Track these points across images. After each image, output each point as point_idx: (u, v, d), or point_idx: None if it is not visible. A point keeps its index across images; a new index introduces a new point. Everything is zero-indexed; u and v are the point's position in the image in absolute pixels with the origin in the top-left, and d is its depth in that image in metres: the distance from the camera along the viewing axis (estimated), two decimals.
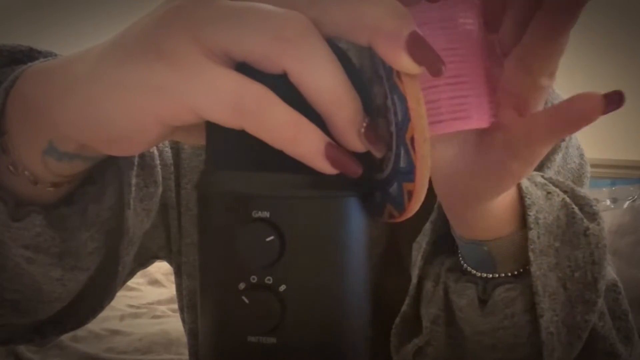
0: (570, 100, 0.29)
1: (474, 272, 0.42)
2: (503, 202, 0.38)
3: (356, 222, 0.25)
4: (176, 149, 0.56)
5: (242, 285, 0.24)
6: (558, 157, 0.56)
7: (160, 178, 0.39)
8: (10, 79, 0.30)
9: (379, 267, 0.56)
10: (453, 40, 0.31)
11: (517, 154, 0.32)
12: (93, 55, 0.26)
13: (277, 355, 0.24)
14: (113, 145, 0.26)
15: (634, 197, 2.08)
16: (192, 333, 0.64)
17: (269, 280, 0.23)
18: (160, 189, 0.39)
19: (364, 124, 0.23)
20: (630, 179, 2.11)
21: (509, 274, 0.41)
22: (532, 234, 0.39)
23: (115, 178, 0.36)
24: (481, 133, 0.34)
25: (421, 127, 0.23)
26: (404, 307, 0.46)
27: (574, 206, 0.41)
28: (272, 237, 0.23)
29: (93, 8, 2.24)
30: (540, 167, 0.55)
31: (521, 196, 0.39)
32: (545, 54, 0.28)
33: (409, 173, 0.24)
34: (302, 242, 0.23)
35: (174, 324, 1.64)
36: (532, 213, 0.39)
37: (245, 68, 0.23)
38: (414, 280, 0.45)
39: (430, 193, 0.28)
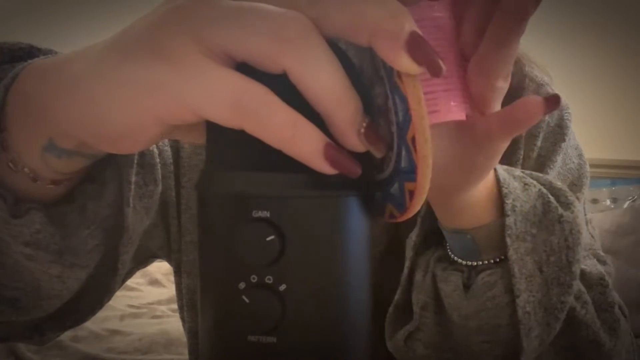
0: (517, 103, 0.33)
1: (460, 260, 0.45)
2: (482, 192, 0.41)
3: (356, 222, 0.25)
4: (176, 147, 0.56)
5: (242, 285, 0.24)
6: (559, 158, 0.56)
7: (160, 176, 0.39)
8: (10, 76, 0.30)
9: (380, 266, 0.56)
10: (427, 35, 0.32)
11: (480, 149, 0.36)
12: (93, 53, 0.26)
13: (277, 355, 0.24)
14: (112, 143, 0.26)
15: (634, 197, 2.08)
16: (191, 332, 0.64)
17: (269, 279, 0.23)
18: (160, 188, 0.39)
19: (364, 124, 0.23)
20: (630, 179, 2.11)
21: (492, 261, 0.44)
22: (509, 221, 0.42)
23: (115, 176, 0.36)
24: (454, 132, 0.37)
25: (422, 127, 0.23)
26: (396, 296, 0.49)
27: (549, 196, 0.44)
28: (272, 237, 0.23)
29: (93, 8, 2.24)
30: (542, 168, 0.55)
31: (499, 186, 0.42)
32: (499, 58, 0.31)
33: (411, 173, 0.24)
34: (302, 242, 0.23)
35: (174, 324, 1.65)
36: (509, 201, 0.42)
37: (245, 68, 0.23)
38: (405, 271, 0.48)
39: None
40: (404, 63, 0.22)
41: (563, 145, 0.56)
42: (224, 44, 0.22)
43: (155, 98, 0.23)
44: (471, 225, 0.42)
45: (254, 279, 0.23)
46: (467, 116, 0.34)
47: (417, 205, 0.24)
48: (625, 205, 2.05)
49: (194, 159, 0.56)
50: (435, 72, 0.23)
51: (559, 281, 0.43)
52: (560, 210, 0.43)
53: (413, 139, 0.23)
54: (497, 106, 0.34)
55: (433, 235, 0.48)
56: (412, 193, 0.24)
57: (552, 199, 0.44)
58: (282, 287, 0.23)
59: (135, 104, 0.24)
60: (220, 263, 0.24)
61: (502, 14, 0.29)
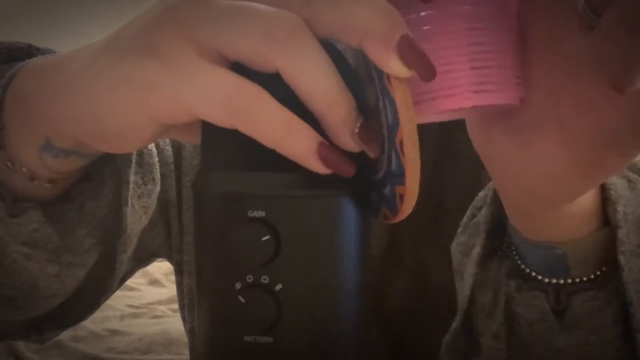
0: None
1: (541, 277, 0.35)
2: (587, 198, 0.32)
3: (351, 221, 0.25)
4: (177, 147, 0.56)
5: (238, 285, 0.24)
6: None
7: (159, 176, 0.39)
8: (8, 76, 0.30)
9: (379, 269, 0.56)
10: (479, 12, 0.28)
11: (618, 146, 0.26)
12: (89, 52, 0.26)
13: (274, 355, 0.24)
14: (107, 142, 0.26)
15: None
16: (192, 331, 0.64)
17: (265, 279, 0.23)
18: (158, 187, 0.39)
19: (358, 124, 0.23)
20: None
21: (584, 279, 0.34)
22: (622, 233, 0.33)
23: (113, 175, 0.36)
24: (563, 119, 0.28)
25: (410, 131, 0.23)
26: (455, 323, 0.39)
27: None
28: (267, 237, 0.23)
29: (93, 8, 2.25)
30: None
31: (603, 188, 0.34)
32: None
33: (400, 176, 0.24)
34: (298, 242, 0.23)
35: (174, 324, 1.65)
36: (620, 208, 0.33)
37: (241, 67, 0.23)
38: (467, 291, 0.38)
39: (425, 196, 0.26)
40: (394, 66, 0.22)
41: None
42: (216, 43, 0.22)
43: (150, 97, 0.23)
44: (565, 238, 0.33)
45: (249, 279, 0.23)
46: (518, 100, 0.28)
47: (407, 209, 0.24)
48: None
49: (196, 158, 0.56)
50: (426, 76, 0.22)
51: None
52: None
53: (401, 143, 0.23)
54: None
55: (492, 240, 0.38)
56: (402, 197, 0.24)
57: None
58: (278, 287, 0.23)
59: (130, 103, 0.24)
60: (216, 263, 0.24)
61: None
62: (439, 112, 0.28)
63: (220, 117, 0.22)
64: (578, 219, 0.33)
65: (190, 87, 0.22)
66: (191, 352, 0.66)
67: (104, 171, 0.35)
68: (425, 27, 0.27)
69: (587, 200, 0.32)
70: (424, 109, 0.28)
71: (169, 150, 0.54)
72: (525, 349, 0.37)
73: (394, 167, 0.24)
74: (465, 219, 0.40)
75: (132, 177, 0.36)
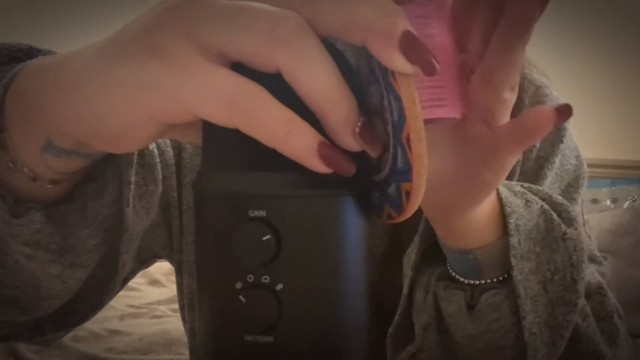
0: (527, 113, 0.32)
1: (462, 279, 0.44)
2: (485, 211, 0.40)
3: (352, 221, 0.25)
4: (178, 148, 0.56)
5: (239, 285, 0.24)
6: (557, 159, 0.56)
7: (160, 176, 0.39)
8: (9, 76, 0.30)
9: (381, 266, 0.56)
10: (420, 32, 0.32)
11: (488, 165, 0.35)
12: (90, 52, 0.26)
13: (274, 354, 0.24)
14: (108, 142, 0.26)
15: (634, 197, 2.08)
16: (192, 332, 0.64)
17: (265, 279, 0.23)
18: (160, 188, 0.39)
19: (359, 124, 0.23)
20: (630, 179, 2.11)
21: (495, 280, 0.43)
22: (514, 241, 0.41)
23: (115, 176, 0.36)
24: (458, 146, 0.36)
25: (417, 126, 0.23)
26: (396, 317, 0.47)
27: (552, 212, 0.43)
28: (268, 236, 0.23)
29: (93, 8, 2.24)
30: (540, 169, 0.55)
31: (502, 205, 0.41)
32: (505, 68, 0.30)
33: (406, 173, 0.24)
34: (299, 241, 0.23)
35: (174, 324, 1.65)
36: (512, 220, 0.41)
37: (242, 67, 0.23)
38: (405, 290, 0.47)
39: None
40: (398, 62, 0.22)
41: (561, 146, 0.56)
42: (218, 42, 0.23)
43: (151, 97, 0.23)
44: (473, 245, 0.41)
45: (250, 278, 0.23)
46: (462, 115, 0.33)
47: (414, 206, 0.24)
48: (625, 205, 2.05)
49: (196, 159, 0.56)
50: (429, 71, 0.23)
51: (564, 300, 0.42)
52: (564, 227, 0.43)
53: (408, 139, 0.23)
54: (504, 118, 0.33)
55: (431, 251, 0.47)
56: (408, 193, 0.24)
57: (554, 215, 0.43)
58: (279, 287, 0.23)
59: (131, 103, 0.24)
60: (217, 263, 0.24)
61: (506, 20, 0.29)
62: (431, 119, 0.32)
63: (221, 117, 0.23)
64: (482, 229, 0.41)
65: (191, 87, 0.23)
66: (191, 353, 0.66)
67: (106, 172, 0.35)
68: None
69: (486, 213, 0.40)
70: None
71: (169, 151, 0.54)
72: (448, 337, 0.45)
73: (399, 164, 0.24)
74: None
75: (133, 178, 0.36)
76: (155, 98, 0.23)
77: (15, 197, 0.32)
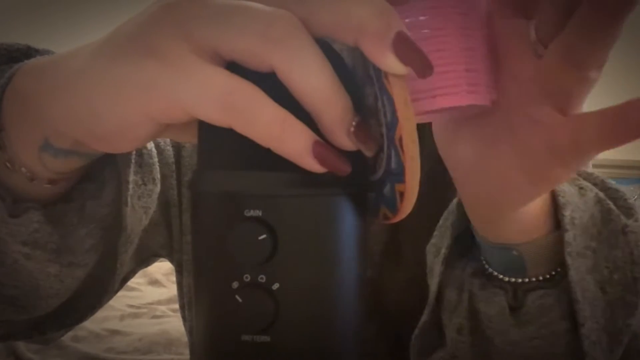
0: (629, 104, 0.26)
1: (502, 277, 0.38)
2: (537, 203, 0.35)
3: (348, 220, 0.25)
4: (177, 146, 0.56)
5: (235, 284, 0.24)
6: None
7: (159, 176, 0.39)
8: (7, 76, 0.30)
9: (379, 264, 0.56)
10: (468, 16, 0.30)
11: (562, 160, 0.29)
12: (86, 52, 0.26)
13: (271, 354, 0.24)
14: (105, 141, 0.26)
15: (634, 197, 2.07)
16: (193, 331, 0.64)
17: (262, 278, 0.23)
18: (158, 187, 0.39)
19: (354, 123, 0.23)
20: (630, 179, 2.11)
21: (540, 278, 0.38)
22: (569, 236, 0.36)
23: (114, 175, 0.36)
24: (516, 133, 0.31)
25: (409, 128, 0.23)
26: (423, 317, 0.42)
27: (608, 202, 0.38)
28: (264, 236, 0.23)
29: (93, 8, 2.25)
30: None
31: (554, 194, 0.36)
32: (596, 44, 0.25)
33: (400, 174, 0.24)
34: (295, 241, 0.24)
35: (174, 324, 1.65)
36: (567, 213, 0.36)
37: (237, 67, 0.23)
38: (434, 287, 0.41)
39: (425, 193, 0.28)
40: (390, 63, 0.22)
41: None
42: (212, 42, 0.23)
43: (147, 96, 0.23)
44: (520, 240, 0.36)
45: (247, 278, 0.24)
46: (492, 103, 0.30)
47: (407, 207, 0.24)
48: None
49: (195, 158, 0.56)
50: (422, 72, 0.22)
51: (624, 301, 0.37)
52: (623, 219, 0.37)
53: (400, 140, 0.23)
54: (580, 104, 0.28)
55: (458, 241, 0.41)
56: (402, 195, 0.24)
57: (611, 205, 0.38)
58: (275, 286, 0.23)
59: (127, 102, 0.24)
60: (213, 262, 0.24)
61: None
62: (436, 109, 0.30)
63: (216, 117, 0.23)
64: (530, 223, 0.36)
65: (186, 87, 0.23)
66: (191, 352, 0.66)
67: (104, 171, 0.35)
68: (424, 30, 0.29)
69: (538, 205, 0.35)
70: (421, 106, 0.29)
71: (169, 150, 0.54)
72: (485, 342, 0.40)
73: (393, 165, 0.24)
74: (441, 221, 0.43)
75: (131, 177, 0.36)
76: (151, 98, 0.23)
77: (13, 196, 0.33)
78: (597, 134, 0.27)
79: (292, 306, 0.24)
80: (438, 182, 0.49)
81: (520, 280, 0.38)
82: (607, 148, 0.28)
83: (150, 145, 0.39)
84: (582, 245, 0.36)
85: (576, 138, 0.28)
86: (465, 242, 0.41)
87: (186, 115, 0.23)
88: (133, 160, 0.36)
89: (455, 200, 0.42)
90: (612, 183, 0.40)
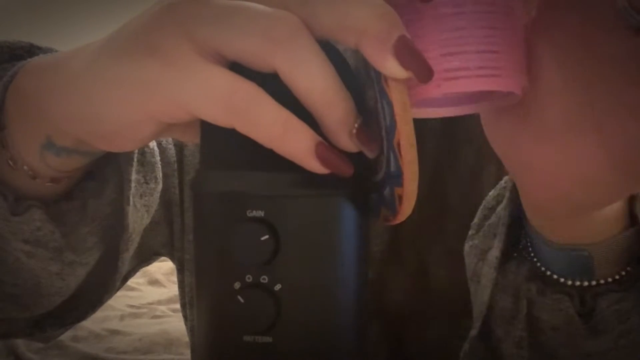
0: None
1: (562, 280, 0.34)
2: None
3: (351, 221, 0.25)
4: (180, 145, 0.56)
5: (237, 285, 0.24)
6: None
7: (161, 174, 0.39)
8: (10, 74, 0.30)
9: (381, 265, 0.56)
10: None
11: None
12: (89, 51, 0.26)
13: (273, 355, 0.24)
14: (107, 140, 0.26)
15: None
16: (194, 330, 0.64)
17: (264, 279, 0.23)
18: (160, 186, 0.39)
19: (356, 125, 0.23)
20: None
21: (609, 280, 0.33)
22: None
23: (115, 174, 0.36)
24: (604, 124, 0.27)
25: (407, 132, 0.22)
26: (473, 332, 0.37)
27: None
28: (266, 236, 0.23)
29: (93, 8, 2.25)
30: None
31: None
32: None
33: (399, 177, 0.24)
34: (297, 241, 0.23)
35: (174, 324, 1.65)
36: None
37: (239, 67, 0.23)
38: (486, 297, 0.36)
39: (426, 194, 0.27)
40: (390, 67, 0.22)
41: None
42: (215, 42, 0.23)
43: (149, 96, 0.23)
44: (592, 240, 0.32)
45: (249, 278, 0.23)
46: (523, 91, 0.26)
47: (406, 211, 0.24)
48: None
49: (198, 157, 0.56)
50: (423, 77, 0.22)
51: None
52: None
53: (399, 144, 0.23)
54: None
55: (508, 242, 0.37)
56: (400, 198, 0.24)
57: None
58: (277, 287, 0.23)
59: (129, 102, 0.24)
60: (215, 263, 0.24)
61: None
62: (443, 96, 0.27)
63: (218, 117, 0.23)
64: (606, 221, 0.32)
65: (189, 86, 0.23)
66: (192, 351, 0.67)
67: (106, 170, 0.36)
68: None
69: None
70: (425, 93, 0.26)
71: (171, 149, 0.54)
72: (548, 355, 0.35)
73: (392, 168, 0.24)
74: (476, 219, 0.39)
75: (133, 176, 0.36)
76: (153, 97, 0.23)
77: (15, 194, 0.33)
78: None
79: (294, 307, 0.24)
80: (438, 183, 0.49)
81: (587, 283, 0.33)
82: None
83: (153, 144, 0.39)
84: None
85: None
86: (510, 239, 0.36)
87: (188, 115, 0.23)
88: (135, 159, 0.36)
89: (493, 194, 0.38)
90: None
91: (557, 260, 0.34)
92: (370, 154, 0.24)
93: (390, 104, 0.23)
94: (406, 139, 0.22)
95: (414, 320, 0.51)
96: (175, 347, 1.55)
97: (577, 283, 0.33)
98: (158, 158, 0.39)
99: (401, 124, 0.22)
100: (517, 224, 0.36)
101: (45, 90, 0.27)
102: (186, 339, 0.67)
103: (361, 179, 0.25)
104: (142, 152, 0.37)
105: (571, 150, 0.28)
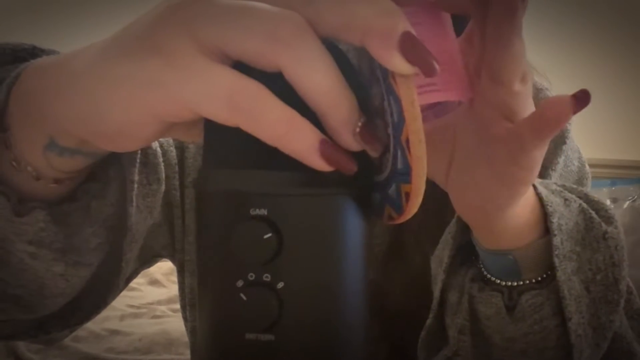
0: (543, 104, 0.31)
1: (498, 281, 0.43)
2: (525, 210, 0.39)
3: (354, 220, 0.25)
4: (181, 148, 0.56)
5: (240, 283, 0.24)
6: (560, 160, 0.56)
7: (164, 175, 0.39)
8: (13, 76, 0.30)
9: (383, 264, 0.57)
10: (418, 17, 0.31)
11: (517, 162, 0.33)
12: (92, 51, 0.26)
13: (275, 352, 0.24)
14: (111, 140, 0.26)
15: (634, 197, 2.07)
16: (194, 331, 0.64)
17: (266, 277, 0.24)
18: (163, 187, 0.39)
19: (360, 124, 0.23)
20: (630, 179, 2.11)
21: (533, 280, 0.42)
22: (556, 240, 0.40)
23: (118, 175, 0.36)
24: (486, 148, 0.35)
25: (416, 128, 0.23)
26: (428, 321, 0.46)
27: (591, 211, 0.43)
28: (269, 235, 0.23)
29: (94, 8, 2.25)
30: (545, 170, 0.55)
31: (542, 204, 0.41)
32: (505, 60, 0.30)
33: (406, 174, 0.24)
34: (300, 240, 0.24)
35: (174, 324, 1.64)
36: (554, 220, 0.40)
37: (243, 66, 0.23)
38: (437, 293, 0.45)
39: (428, 194, 0.28)
40: (397, 63, 0.22)
41: (564, 147, 0.56)
42: (219, 42, 0.23)
43: (153, 95, 0.23)
44: (514, 246, 0.40)
45: (251, 276, 0.24)
46: (470, 100, 0.32)
47: (413, 207, 0.25)
48: (625, 206, 2.04)
49: (199, 159, 0.56)
50: (428, 72, 0.23)
51: (607, 300, 0.41)
52: (604, 226, 0.42)
53: (407, 141, 0.23)
54: (525, 111, 0.32)
55: (460, 251, 0.46)
56: (408, 195, 0.24)
57: (593, 214, 0.43)
58: (280, 285, 0.24)
59: (133, 101, 0.24)
60: (218, 261, 0.25)
61: (494, 14, 0.29)
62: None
63: (222, 115, 0.23)
64: (522, 229, 0.40)
65: (193, 85, 0.23)
66: (192, 352, 0.67)
67: (109, 171, 0.36)
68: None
69: (526, 213, 0.40)
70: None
71: (172, 151, 0.54)
72: (485, 340, 0.44)
73: (399, 165, 0.24)
74: (443, 235, 0.46)
75: (136, 177, 0.36)
76: (157, 96, 0.23)
77: (18, 196, 0.33)
78: (530, 133, 0.32)
79: (297, 305, 0.24)
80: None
81: (515, 283, 0.42)
82: (542, 142, 0.32)
83: (155, 145, 0.39)
84: (568, 249, 0.41)
85: (520, 140, 0.32)
86: (467, 252, 0.45)
87: (192, 114, 0.23)
88: (138, 160, 0.36)
89: (456, 216, 0.45)
90: (594, 196, 0.45)
91: (492, 264, 0.43)
92: (373, 153, 0.24)
93: (397, 101, 0.23)
94: (415, 134, 0.23)
95: (415, 320, 0.51)
96: (175, 347, 1.54)
97: (508, 283, 0.42)
98: (161, 159, 0.39)
99: (410, 119, 0.23)
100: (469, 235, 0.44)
101: (48, 90, 0.27)
102: (186, 339, 0.67)
103: (364, 178, 0.25)
104: (145, 153, 0.37)
105: (476, 179, 0.36)
